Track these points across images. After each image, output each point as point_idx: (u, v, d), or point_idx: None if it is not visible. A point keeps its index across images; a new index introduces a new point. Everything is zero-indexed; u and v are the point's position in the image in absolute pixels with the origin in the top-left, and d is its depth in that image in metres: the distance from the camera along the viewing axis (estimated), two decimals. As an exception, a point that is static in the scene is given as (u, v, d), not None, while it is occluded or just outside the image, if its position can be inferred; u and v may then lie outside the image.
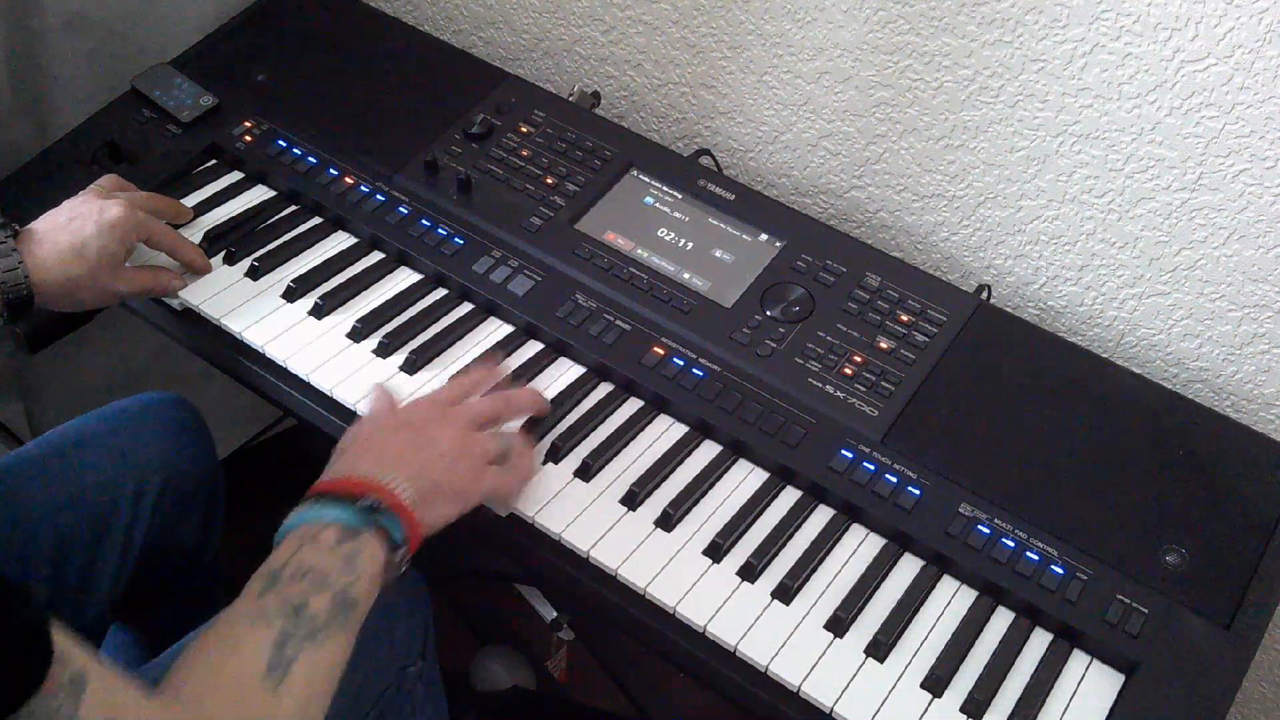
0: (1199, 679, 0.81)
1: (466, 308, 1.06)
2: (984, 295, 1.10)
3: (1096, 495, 0.92)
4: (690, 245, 1.09)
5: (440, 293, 1.07)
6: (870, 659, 0.83)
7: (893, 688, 0.82)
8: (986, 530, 0.89)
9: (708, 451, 0.96)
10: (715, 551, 0.88)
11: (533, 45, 1.40)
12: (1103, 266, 1.11)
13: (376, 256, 1.10)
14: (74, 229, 0.97)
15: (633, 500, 0.91)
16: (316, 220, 1.13)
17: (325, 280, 1.07)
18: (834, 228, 1.12)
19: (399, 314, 1.05)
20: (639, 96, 1.35)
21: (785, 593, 0.86)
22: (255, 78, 1.24)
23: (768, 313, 1.03)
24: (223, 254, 1.09)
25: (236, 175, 1.17)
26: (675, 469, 0.94)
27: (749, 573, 0.87)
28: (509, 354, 1.02)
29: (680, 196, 1.12)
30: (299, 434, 1.76)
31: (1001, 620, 0.87)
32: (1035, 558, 0.87)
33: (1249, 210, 0.99)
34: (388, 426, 0.86)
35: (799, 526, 0.91)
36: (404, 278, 1.09)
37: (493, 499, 0.89)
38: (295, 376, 1.00)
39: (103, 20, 1.24)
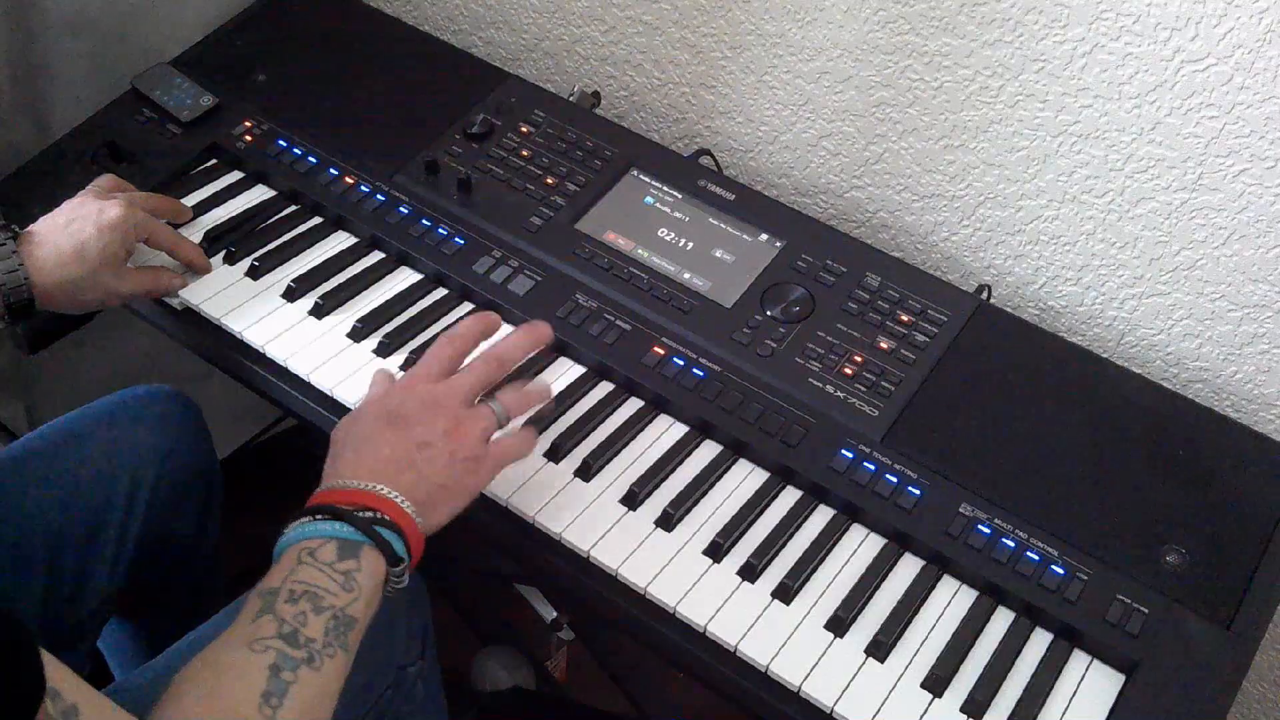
0: (1199, 679, 0.81)
1: (467, 308, 1.06)
2: (984, 295, 1.10)
3: (1096, 495, 0.92)
4: (690, 245, 1.09)
5: (440, 293, 1.07)
6: (870, 659, 0.83)
7: (893, 688, 0.82)
8: (987, 530, 0.89)
9: (708, 451, 0.96)
10: (715, 551, 0.88)
11: (533, 45, 1.40)
12: (1103, 266, 1.11)
13: (376, 256, 1.10)
14: (74, 230, 0.97)
15: (633, 500, 0.91)
16: (316, 220, 1.13)
17: (325, 280, 1.07)
18: (834, 228, 1.12)
19: (399, 314, 1.05)
20: (639, 96, 1.35)
21: (785, 593, 0.86)
22: (255, 78, 1.24)
23: (768, 313, 1.03)
24: (223, 254, 1.09)
25: (236, 175, 1.17)
26: (675, 469, 0.94)
27: (749, 573, 0.87)
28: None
29: (680, 196, 1.12)
30: (299, 434, 1.76)
31: (1002, 620, 0.87)
32: (1035, 558, 0.87)
33: (1249, 210, 0.99)
34: (379, 422, 0.82)
35: (799, 526, 0.91)
36: (404, 278, 1.09)
37: (502, 465, 0.86)
38: (295, 376, 0.99)
39: (103, 20, 1.24)
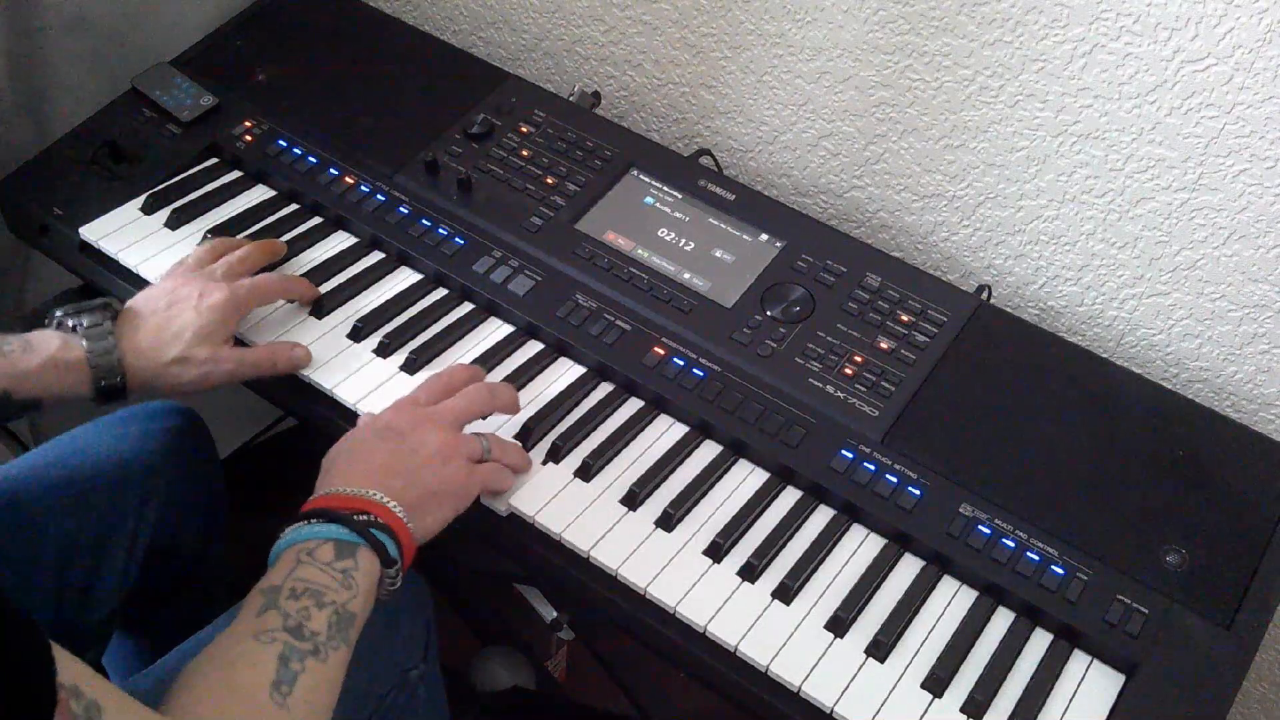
0: (1199, 679, 0.81)
1: (467, 308, 1.06)
2: (984, 295, 1.10)
3: (1096, 495, 0.92)
4: (690, 245, 1.09)
5: (440, 292, 1.07)
6: (871, 659, 0.83)
7: (893, 688, 0.82)
8: (987, 530, 0.89)
9: (708, 451, 0.96)
10: (716, 551, 0.88)
11: (533, 45, 1.40)
12: (1103, 266, 1.11)
13: (377, 256, 1.10)
14: (173, 314, 0.94)
15: (633, 500, 0.91)
16: (316, 220, 1.13)
17: (325, 280, 1.07)
18: (834, 228, 1.12)
19: (399, 314, 1.05)
20: (639, 96, 1.35)
21: (786, 593, 0.86)
22: (255, 78, 1.24)
23: (768, 313, 1.03)
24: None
25: (236, 175, 1.17)
26: (676, 469, 0.94)
27: (749, 573, 0.87)
28: (509, 354, 1.02)
29: (680, 196, 1.12)
30: (299, 434, 1.76)
31: (1002, 620, 0.87)
32: (1035, 558, 0.87)
33: (1249, 210, 0.99)
34: (372, 434, 0.85)
35: (799, 526, 0.91)
36: (404, 278, 1.09)
37: (487, 493, 0.89)
38: (296, 376, 0.99)
39: (103, 20, 1.24)
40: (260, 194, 1.16)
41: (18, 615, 0.56)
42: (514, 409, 0.95)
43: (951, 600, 0.88)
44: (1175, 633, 0.84)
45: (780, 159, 1.28)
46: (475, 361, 1.01)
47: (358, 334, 1.02)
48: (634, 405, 0.99)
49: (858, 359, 1.00)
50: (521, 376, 1.00)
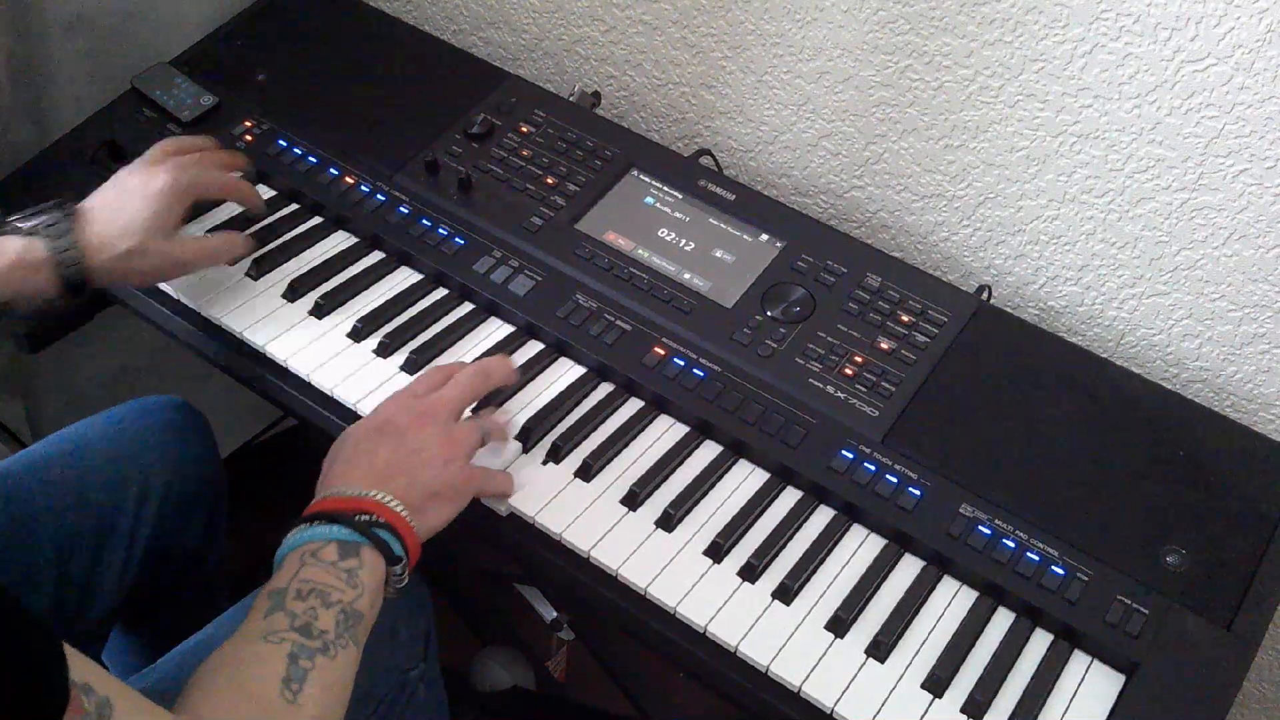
0: (1199, 679, 0.81)
1: (467, 308, 1.06)
2: (984, 295, 1.10)
3: (1097, 496, 0.92)
4: (690, 245, 1.09)
5: (440, 293, 1.07)
6: (871, 659, 0.83)
7: (893, 688, 0.82)
8: (987, 531, 0.89)
9: (708, 452, 0.96)
10: (716, 552, 0.88)
11: (533, 45, 1.40)
12: (1103, 266, 1.11)
13: (377, 256, 1.10)
14: (122, 204, 0.96)
15: (633, 500, 0.91)
16: (316, 220, 1.13)
17: (325, 280, 1.07)
18: (834, 228, 1.12)
19: (399, 314, 1.05)
20: (639, 96, 1.35)
21: (786, 593, 0.86)
22: (255, 78, 1.24)
23: (768, 313, 1.03)
24: (223, 254, 1.09)
25: (236, 174, 1.17)
26: (676, 469, 0.94)
27: (750, 573, 0.87)
28: (509, 354, 1.02)
29: (680, 196, 1.12)
30: (299, 434, 1.76)
31: (1002, 621, 0.87)
32: (1036, 558, 0.87)
33: (1249, 210, 0.99)
34: (371, 433, 0.85)
35: (799, 527, 0.91)
36: (404, 278, 1.09)
37: (486, 492, 0.89)
38: (296, 376, 0.99)
39: (103, 20, 1.24)
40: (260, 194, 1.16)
41: (28, 614, 0.56)
42: (510, 379, 0.95)
43: (952, 600, 0.88)
44: (1175, 633, 0.84)
45: (780, 159, 1.28)
46: (474, 361, 1.00)
47: (358, 334, 1.02)
48: (634, 405, 0.99)
49: (858, 359, 1.00)
50: (521, 376, 1.00)
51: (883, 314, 1.03)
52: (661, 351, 1.00)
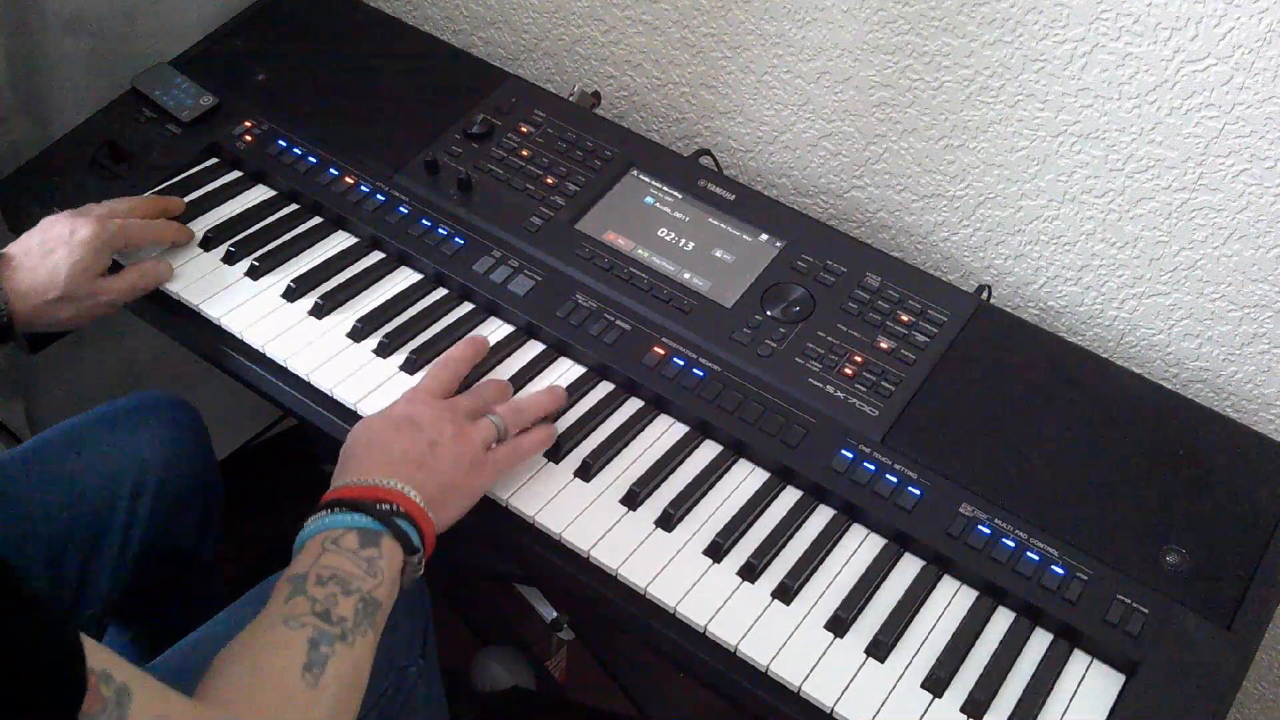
0: (1199, 679, 0.81)
1: (467, 308, 1.06)
2: (984, 295, 1.10)
3: (1097, 495, 0.92)
4: (690, 245, 1.09)
5: (440, 292, 1.07)
6: (871, 659, 0.83)
7: (893, 688, 0.82)
8: (987, 530, 0.89)
9: (708, 451, 0.96)
10: (716, 551, 0.88)
11: (533, 45, 1.40)
12: (1103, 266, 1.11)
13: (376, 256, 1.10)
14: (45, 253, 0.98)
15: (633, 500, 0.91)
16: (316, 220, 1.13)
17: (325, 280, 1.07)
18: (834, 228, 1.12)
19: (399, 314, 1.05)
20: (639, 96, 1.35)
21: (786, 593, 0.86)
22: (255, 78, 1.24)
23: (768, 313, 1.03)
24: (223, 253, 1.09)
25: (236, 175, 1.17)
26: (675, 469, 0.94)
27: (749, 573, 0.87)
28: (509, 354, 1.02)
29: (680, 196, 1.12)
30: (299, 434, 1.76)
31: (1002, 620, 0.87)
32: (1035, 558, 0.87)
33: (1249, 210, 0.99)
34: (389, 425, 0.86)
35: (799, 526, 0.91)
36: (404, 278, 1.09)
37: (510, 465, 0.90)
38: (295, 376, 0.99)
39: (103, 20, 1.24)
40: (260, 194, 1.16)
41: (45, 602, 0.57)
42: (506, 395, 0.96)
43: (951, 600, 0.88)
44: (1175, 633, 0.84)
45: (780, 159, 1.28)
46: (475, 361, 1.01)
47: (358, 334, 1.02)
48: (634, 405, 0.99)
49: (858, 359, 1.00)
50: (522, 377, 1.00)
51: (882, 314, 1.03)
52: (661, 351, 1.00)
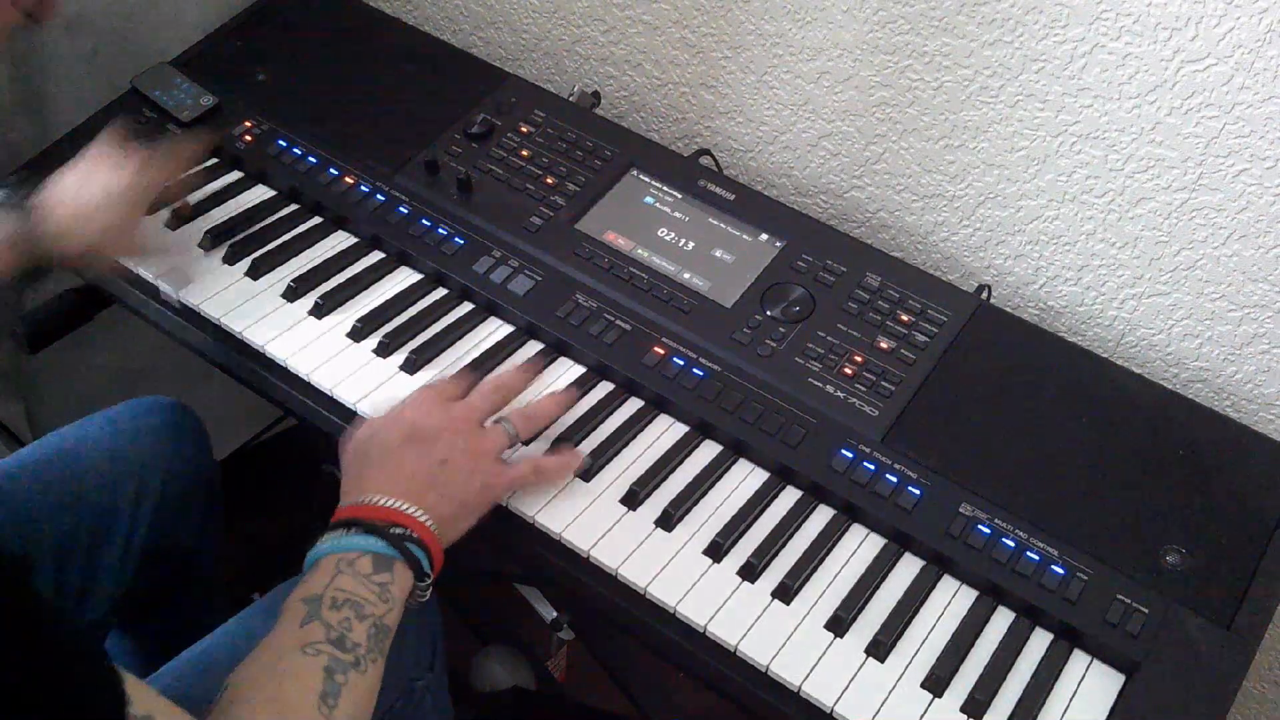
0: (1199, 679, 0.81)
1: (467, 307, 1.06)
2: (984, 295, 1.10)
3: (1096, 495, 0.92)
4: (690, 245, 1.09)
5: (440, 292, 1.07)
6: (870, 659, 0.83)
7: (893, 688, 0.82)
8: (987, 530, 0.89)
9: (708, 451, 0.96)
10: (715, 551, 0.88)
11: (533, 45, 1.40)
12: (1103, 266, 1.11)
13: (376, 256, 1.10)
14: (83, 197, 0.97)
15: (633, 500, 0.91)
16: (316, 220, 1.13)
17: (325, 280, 1.07)
18: (834, 228, 1.12)
19: (399, 314, 1.05)
20: (639, 96, 1.35)
21: (785, 592, 0.86)
22: (255, 78, 1.24)
23: (768, 313, 1.03)
24: (223, 253, 1.09)
25: (236, 175, 1.17)
26: (675, 469, 0.94)
27: (749, 572, 0.87)
28: (509, 354, 1.02)
29: (680, 196, 1.12)
30: (299, 434, 1.76)
31: (1002, 620, 0.87)
32: (1035, 558, 0.87)
33: (1249, 210, 0.99)
34: (400, 435, 0.85)
35: (799, 526, 0.91)
36: (404, 277, 1.09)
37: (518, 486, 0.90)
38: (295, 376, 0.99)
39: (103, 20, 1.24)
40: (260, 194, 1.16)
41: (81, 628, 0.57)
42: (522, 385, 0.95)
43: (951, 600, 0.88)
44: (1175, 633, 0.84)
45: (780, 159, 1.28)
46: (475, 361, 1.01)
47: (358, 334, 1.02)
48: (634, 405, 0.99)
49: (858, 359, 1.00)
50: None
51: (882, 314, 1.03)
52: (661, 351, 1.00)
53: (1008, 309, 1.10)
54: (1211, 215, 1.02)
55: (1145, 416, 0.97)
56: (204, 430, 1.13)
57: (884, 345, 1.01)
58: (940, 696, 0.82)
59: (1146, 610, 0.84)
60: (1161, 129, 1.00)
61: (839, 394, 0.97)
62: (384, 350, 1.01)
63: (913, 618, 0.86)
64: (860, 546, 0.90)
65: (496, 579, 1.56)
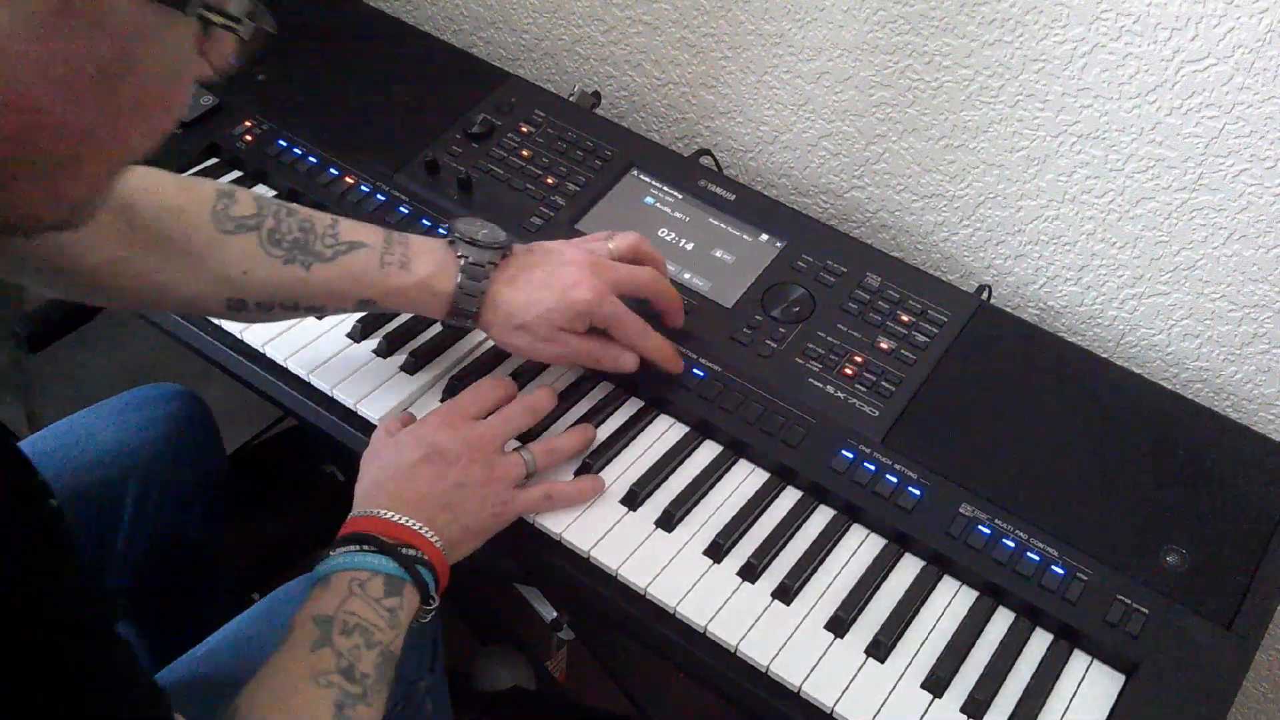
0: (1199, 679, 0.81)
1: (467, 308, 1.06)
2: (984, 295, 1.10)
3: (1097, 496, 0.92)
4: (690, 245, 1.09)
5: (440, 293, 1.07)
6: (871, 659, 0.83)
7: (893, 688, 0.82)
8: (987, 530, 0.89)
9: (708, 451, 0.96)
10: (716, 551, 0.88)
11: (533, 45, 1.40)
12: (1103, 266, 1.11)
13: (377, 256, 1.10)
14: (537, 286, 0.90)
15: (633, 500, 0.91)
16: (317, 220, 1.13)
17: (325, 280, 1.07)
18: (834, 228, 1.12)
19: (398, 314, 1.04)
20: (639, 96, 1.35)
21: (786, 593, 0.86)
22: (255, 78, 1.24)
23: (768, 313, 1.03)
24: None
25: (236, 175, 1.17)
26: (676, 469, 0.94)
27: (749, 573, 0.87)
28: (509, 354, 1.02)
29: (680, 196, 1.12)
30: (299, 434, 1.75)
31: (1002, 620, 0.87)
32: (1035, 558, 0.87)
33: (1249, 210, 0.99)
34: (420, 456, 0.85)
35: (799, 527, 0.91)
36: (404, 278, 1.08)
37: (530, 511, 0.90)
38: (295, 376, 0.99)
39: (103, 20, 1.24)
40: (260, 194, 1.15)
41: (130, 648, 0.56)
42: (550, 408, 0.94)
43: (951, 600, 0.88)
44: (1175, 633, 0.84)
45: (780, 159, 1.28)
46: (475, 362, 1.01)
47: (357, 334, 1.02)
48: (634, 405, 0.99)
49: (858, 359, 1.00)
50: (522, 378, 1.00)
51: (883, 314, 1.03)
52: (661, 351, 1.00)
53: (1008, 309, 1.10)
54: (1211, 215, 1.02)
55: (1145, 416, 0.97)
56: (211, 417, 1.12)
57: (884, 345, 1.01)
58: (940, 697, 0.82)
59: (1146, 610, 0.84)
60: (1161, 129, 1.00)
61: (839, 394, 0.97)
62: (384, 350, 1.01)
63: (913, 618, 0.86)
64: (860, 547, 0.90)
65: (496, 579, 1.56)
